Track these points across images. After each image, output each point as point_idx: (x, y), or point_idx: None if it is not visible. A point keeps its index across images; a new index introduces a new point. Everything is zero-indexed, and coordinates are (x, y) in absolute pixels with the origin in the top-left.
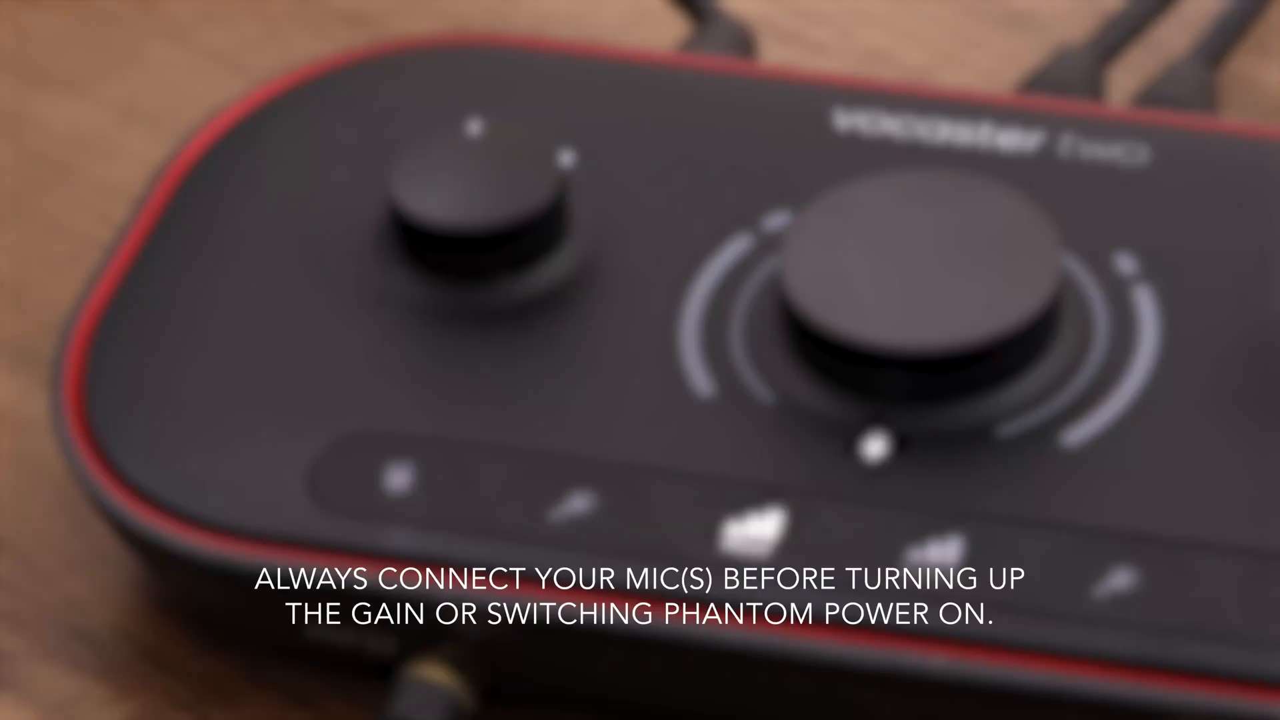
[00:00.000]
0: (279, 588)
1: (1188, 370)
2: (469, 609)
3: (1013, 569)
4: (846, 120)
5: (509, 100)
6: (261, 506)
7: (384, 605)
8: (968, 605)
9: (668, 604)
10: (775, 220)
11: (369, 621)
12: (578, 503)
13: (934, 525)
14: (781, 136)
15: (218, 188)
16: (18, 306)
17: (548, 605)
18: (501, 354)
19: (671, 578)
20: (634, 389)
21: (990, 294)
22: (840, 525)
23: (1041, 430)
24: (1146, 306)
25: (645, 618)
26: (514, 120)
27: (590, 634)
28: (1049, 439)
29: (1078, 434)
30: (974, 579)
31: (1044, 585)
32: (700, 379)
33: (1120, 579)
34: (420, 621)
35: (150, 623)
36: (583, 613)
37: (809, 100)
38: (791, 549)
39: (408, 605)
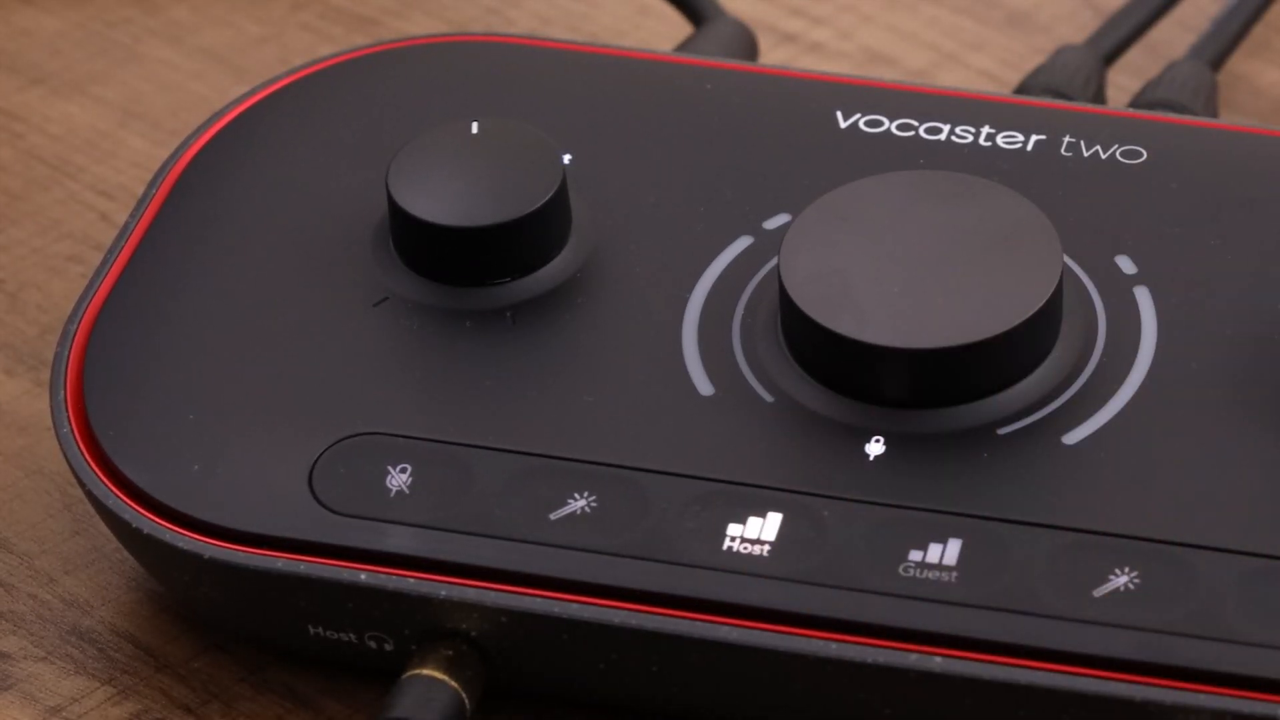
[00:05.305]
0: (279, 588)
1: (1187, 370)
2: (469, 609)
3: (1013, 569)
4: (847, 120)
5: (509, 100)
6: (262, 507)
7: (384, 605)
8: (968, 605)
9: (668, 604)
10: (776, 220)
11: (369, 621)
12: (578, 503)
13: (933, 525)
14: (782, 136)
15: (219, 188)
16: (17, 306)
17: (548, 605)
18: (502, 354)
19: (671, 578)
20: (635, 389)
21: (990, 294)
22: (840, 525)
23: (1041, 430)
24: (1146, 306)
25: (645, 618)
26: (515, 120)
27: (590, 634)
28: (1049, 439)
29: (1077, 434)
30: (974, 579)
31: (1044, 585)
32: (701, 379)
33: (1120, 579)
34: (420, 621)
35: (150, 623)
36: (583, 613)
37: (810, 100)
38: (791, 549)
39: (408, 605)
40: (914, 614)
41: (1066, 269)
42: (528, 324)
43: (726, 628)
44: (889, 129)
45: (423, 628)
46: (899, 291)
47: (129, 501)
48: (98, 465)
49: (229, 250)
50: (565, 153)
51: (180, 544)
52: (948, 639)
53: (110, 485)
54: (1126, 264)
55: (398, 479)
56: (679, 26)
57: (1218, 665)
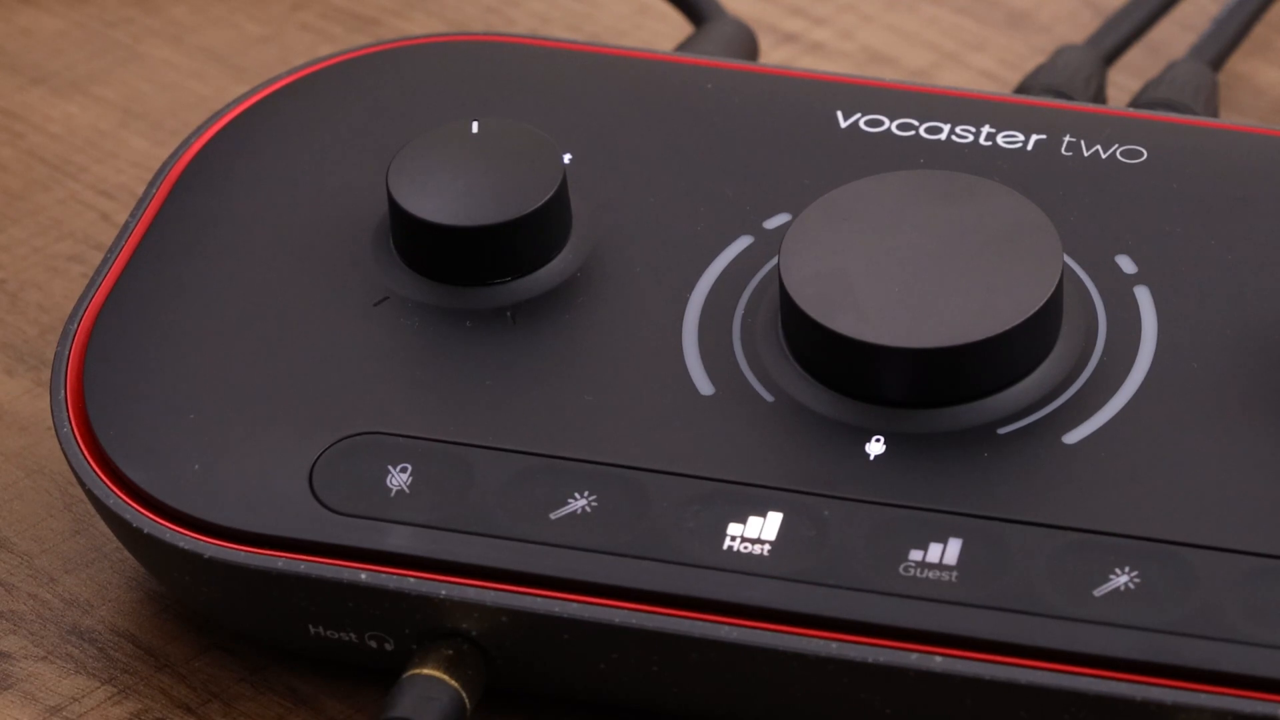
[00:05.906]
0: (279, 587)
1: (1187, 370)
2: (469, 608)
3: (1013, 569)
4: (847, 120)
5: (510, 100)
6: (263, 506)
7: (385, 605)
8: (968, 605)
9: (668, 604)
10: (776, 220)
11: (369, 621)
12: (578, 503)
13: (934, 525)
14: (783, 136)
15: (219, 188)
16: (17, 306)
17: (548, 605)
18: (502, 354)
19: (671, 578)
20: (635, 389)
21: (990, 293)
22: (840, 525)
23: (1041, 430)
24: (1146, 306)
25: (646, 617)
26: (515, 120)
27: (590, 633)
28: (1049, 439)
29: (1077, 434)
30: (974, 579)
31: (1044, 585)
32: (701, 379)
33: (1120, 579)
34: (420, 621)
35: (150, 623)
36: (583, 612)
37: (810, 100)
38: (792, 548)
39: (408, 605)
40: (914, 613)
41: (1066, 269)
42: (528, 324)
43: (727, 627)
44: (889, 129)
45: (423, 627)
46: (899, 291)
47: (129, 501)
48: (98, 465)
49: (229, 250)
50: (565, 153)
51: (180, 544)
52: (948, 639)
53: (110, 485)
54: (1126, 264)
55: (398, 478)
56: (679, 26)
57: (1218, 665)
